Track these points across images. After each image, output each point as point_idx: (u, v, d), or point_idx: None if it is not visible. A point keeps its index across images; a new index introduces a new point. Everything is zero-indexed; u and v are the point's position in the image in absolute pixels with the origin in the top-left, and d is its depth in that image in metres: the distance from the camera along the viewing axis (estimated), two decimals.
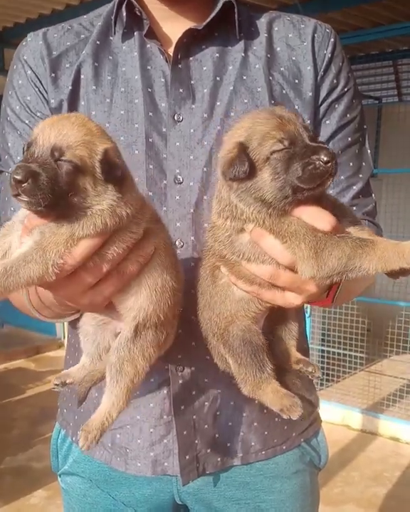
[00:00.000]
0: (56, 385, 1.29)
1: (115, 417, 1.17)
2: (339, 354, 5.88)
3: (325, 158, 0.97)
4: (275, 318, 1.26)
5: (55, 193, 0.98)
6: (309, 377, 1.23)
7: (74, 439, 1.53)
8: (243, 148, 1.03)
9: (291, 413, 1.15)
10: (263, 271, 1.12)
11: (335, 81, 1.41)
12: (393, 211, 6.09)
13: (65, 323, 1.45)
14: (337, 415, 5.62)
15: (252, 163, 1.02)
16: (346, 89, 1.43)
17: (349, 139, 1.43)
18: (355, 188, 1.45)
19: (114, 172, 1.04)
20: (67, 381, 1.29)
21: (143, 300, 1.15)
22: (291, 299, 1.16)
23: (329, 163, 0.98)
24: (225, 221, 1.13)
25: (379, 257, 1.02)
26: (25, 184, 0.97)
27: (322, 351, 5.95)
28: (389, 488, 4.57)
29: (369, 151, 1.49)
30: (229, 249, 1.14)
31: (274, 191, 1.02)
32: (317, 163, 0.98)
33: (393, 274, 1.07)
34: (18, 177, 0.97)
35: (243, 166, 1.01)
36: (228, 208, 1.10)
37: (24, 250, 1.02)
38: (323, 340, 6.01)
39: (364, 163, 1.46)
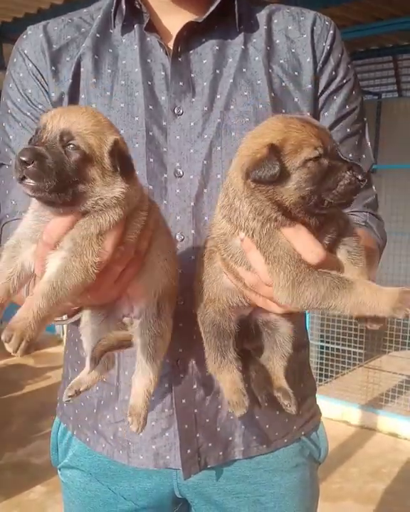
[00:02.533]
0: (70, 396, 1.25)
1: (153, 393, 1.21)
2: (337, 350, 5.88)
3: (360, 177, 0.96)
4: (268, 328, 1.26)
5: (61, 179, 0.97)
6: (284, 408, 1.23)
7: (75, 432, 1.53)
8: (275, 151, 0.99)
9: (234, 409, 1.19)
10: (247, 277, 1.13)
11: (334, 73, 1.41)
12: (393, 207, 6.08)
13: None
14: (336, 411, 5.62)
15: (283, 167, 0.99)
16: (345, 81, 1.42)
17: (349, 130, 1.43)
18: None
19: (127, 164, 1.04)
20: (81, 389, 1.26)
21: (158, 274, 1.17)
22: (272, 307, 1.16)
23: (363, 182, 0.97)
24: (222, 219, 1.13)
25: (353, 303, 1.01)
26: (30, 166, 0.96)
27: (321, 347, 5.95)
28: (388, 484, 4.57)
29: (369, 143, 1.49)
30: (222, 246, 1.15)
31: (295, 199, 1.00)
32: (352, 179, 0.97)
33: (365, 320, 1.05)
34: (24, 158, 0.96)
35: (273, 169, 0.97)
36: (227, 208, 1.10)
37: (61, 262, 1.00)
38: (322, 336, 6.01)
39: (364, 155, 1.46)
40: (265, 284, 1.09)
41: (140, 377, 1.21)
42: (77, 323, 1.37)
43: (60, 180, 0.97)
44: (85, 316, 1.26)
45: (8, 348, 0.92)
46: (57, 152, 0.98)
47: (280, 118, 1.07)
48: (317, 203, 0.99)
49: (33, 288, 1.22)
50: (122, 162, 1.03)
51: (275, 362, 1.25)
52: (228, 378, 1.20)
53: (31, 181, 0.97)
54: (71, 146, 0.99)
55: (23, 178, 0.97)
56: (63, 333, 8.31)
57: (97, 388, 1.46)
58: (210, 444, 1.42)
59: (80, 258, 1.00)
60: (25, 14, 6.60)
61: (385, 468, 4.80)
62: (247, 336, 1.23)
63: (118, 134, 1.07)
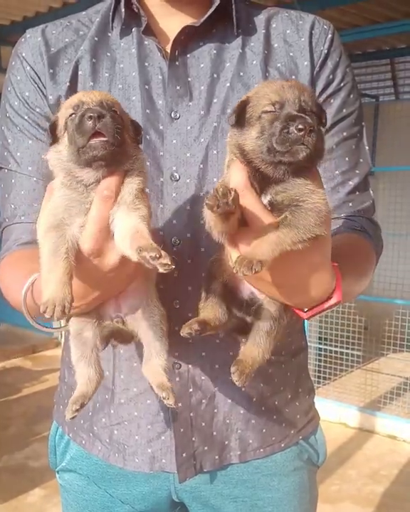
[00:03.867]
0: (77, 410, 1.21)
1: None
2: (336, 352, 5.88)
3: (300, 126, 1.01)
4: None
5: (121, 136, 1.05)
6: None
7: (71, 435, 1.53)
8: (245, 102, 1.10)
9: (182, 330, 1.14)
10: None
11: (331, 76, 1.41)
12: (390, 209, 6.11)
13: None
14: (334, 413, 5.63)
15: (243, 116, 1.10)
16: (342, 85, 1.42)
17: (345, 133, 1.43)
18: (351, 184, 1.44)
19: (140, 134, 1.15)
20: (85, 402, 1.23)
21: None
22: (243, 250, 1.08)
23: (302, 132, 1.02)
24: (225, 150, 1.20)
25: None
26: (103, 119, 1.03)
27: (319, 349, 5.96)
28: (386, 486, 4.58)
29: (367, 147, 1.48)
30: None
31: (255, 147, 1.07)
32: (291, 129, 1.03)
33: None
34: (94, 114, 1.03)
35: (232, 116, 1.10)
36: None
37: (136, 212, 1.08)
38: (320, 338, 6.02)
39: (361, 159, 1.46)
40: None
41: (155, 359, 1.23)
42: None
43: (120, 136, 1.05)
44: (80, 322, 1.24)
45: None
46: (108, 112, 1.05)
47: (271, 80, 1.20)
48: (269, 151, 1.06)
49: (32, 291, 1.22)
50: (138, 133, 1.15)
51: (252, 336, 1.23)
52: (203, 315, 1.21)
53: (102, 138, 1.03)
54: (114, 109, 1.08)
55: (92, 137, 1.03)
56: (61, 336, 8.30)
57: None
58: (206, 448, 1.41)
59: (147, 206, 1.09)
60: (24, 17, 6.61)
61: (383, 471, 4.81)
62: (238, 305, 1.24)
63: None
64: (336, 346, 5.87)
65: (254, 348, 1.20)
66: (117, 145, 1.05)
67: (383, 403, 5.56)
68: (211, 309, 1.21)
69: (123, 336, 1.25)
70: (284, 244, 1.02)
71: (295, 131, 1.02)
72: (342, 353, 5.89)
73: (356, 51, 7.74)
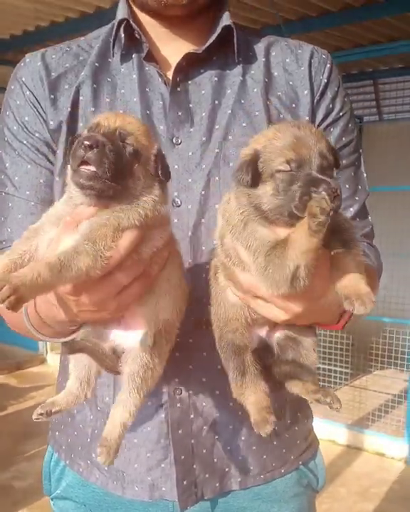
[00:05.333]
0: (40, 414, 1.21)
1: (129, 427, 1.19)
2: (323, 369, 5.89)
3: (324, 194, 0.95)
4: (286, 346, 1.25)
5: (117, 169, 1.01)
6: (329, 407, 1.22)
7: (68, 462, 1.50)
8: (255, 158, 1.05)
9: (259, 428, 1.15)
10: (244, 279, 1.12)
11: (331, 106, 1.43)
12: (374, 229, 6.15)
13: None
14: (323, 430, 5.60)
15: (257, 174, 1.05)
16: (341, 114, 1.45)
17: (345, 161, 1.45)
18: (351, 210, 1.46)
19: (166, 171, 1.09)
20: (53, 410, 1.23)
21: (162, 305, 1.17)
22: (275, 312, 1.14)
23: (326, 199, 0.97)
24: (219, 215, 1.17)
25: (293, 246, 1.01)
26: (94, 150, 0.99)
27: None
28: (376, 504, 4.56)
29: (364, 174, 1.51)
30: (221, 248, 1.16)
31: (271, 206, 1.04)
32: (313, 195, 0.96)
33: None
34: (88, 142, 0.99)
35: (247, 176, 1.04)
36: (224, 204, 1.14)
37: (74, 243, 1.02)
38: None
39: (359, 186, 1.48)
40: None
41: (120, 408, 1.18)
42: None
43: (116, 170, 1.01)
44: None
45: None
46: (116, 143, 1.03)
47: (278, 125, 1.11)
48: (290, 215, 1.02)
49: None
50: (163, 168, 1.08)
51: (305, 375, 1.23)
52: (251, 399, 1.17)
53: (90, 167, 1.00)
54: (127, 142, 1.04)
55: (81, 164, 1.01)
56: (46, 353, 8.21)
57: (91, 417, 1.44)
58: (207, 475, 1.40)
59: (93, 244, 1.01)
60: (11, 35, 6.61)
61: (373, 488, 4.80)
62: (271, 356, 1.22)
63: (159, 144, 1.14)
64: (323, 363, 5.87)
65: (313, 377, 1.23)
66: (111, 179, 1.01)
67: (371, 420, 5.57)
68: (253, 389, 1.17)
69: (105, 362, 1.23)
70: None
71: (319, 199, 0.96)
72: (329, 370, 5.89)
73: (340, 73, 7.88)
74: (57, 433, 1.56)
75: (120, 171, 1.02)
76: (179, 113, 1.36)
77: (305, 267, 1.00)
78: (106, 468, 1.43)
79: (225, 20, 1.38)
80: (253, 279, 1.09)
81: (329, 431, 5.63)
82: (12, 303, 0.92)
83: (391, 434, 5.41)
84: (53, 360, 7.44)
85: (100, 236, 1.02)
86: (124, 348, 1.20)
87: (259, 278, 1.06)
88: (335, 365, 5.84)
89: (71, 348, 1.21)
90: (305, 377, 1.22)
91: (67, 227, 1.05)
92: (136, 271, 1.08)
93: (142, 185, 1.07)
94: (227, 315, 1.20)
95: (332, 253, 1.08)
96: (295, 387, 1.24)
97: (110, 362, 1.21)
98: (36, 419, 1.20)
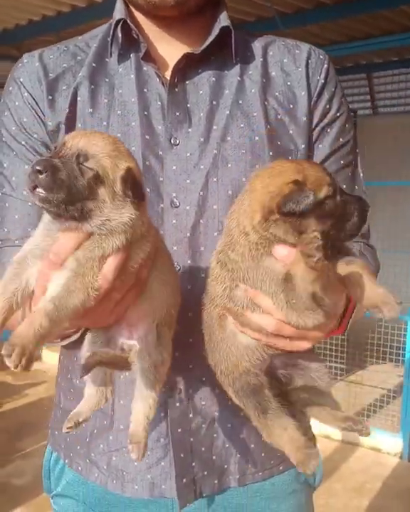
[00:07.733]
0: (69, 428, 1.22)
1: (152, 419, 1.21)
2: None
3: (367, 209, 1.03)
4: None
5: (71, 193, 1.00)
6: (358, 434, 1.23)
7: (67, 461, 1.51)
8: (302, 185, 1.03)
9: (305, 469, 1.14)
10: (267, 322, 1.14)
11: (328, 106, 1.44)
12: (370, 224, 6.17)
13: None
14: (317, 426, 5.63)
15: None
16: (338, 114, 1.45)
17: (342, 161, 1.46)
18: None
19: (138, 191, 1.07)
20: (80, 420, 1.24)
21: (157, 301, 1.18)
22: (300, 345, 1.18)
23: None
24: (217, 265, 1.17)
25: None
26: (43, 175, 0.98)
27: None
28: (372, 500, 4.59)
29: (361, 174, 1.52)
30: (230, 300, 1.17)
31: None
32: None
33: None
34: (38, 167, 0.98)
35: (309, 198, 1.01)
36: (225, 251, 1.14)
37: (63, 281, 1.02)
38: None
39: (356, 186, 1.49)
40: (284, 322, 1.11)
41: (140, 403, 1.21)
42: (68, 346, 1.36)
43: (70, 194, 1.00)
44: (85, 345, 1.25)
45: (9, 363, 0.93)
46: (71, 167, 1.01)
47: (287, 161, 1.13)
48: (335, 236, 1.05)
49: (29, 308, 1.22)
50: (133, 189, 1.06)
51: (324, 399, 1.25)
52: (285, 437, 1.16)
53: (42, 191, 0.99)
54: (85, 166, 1.03)
55: (35, 187, 1.00)
56: (42, 350, 8.19)
57: (91, 417, 1.45)
58: (205, 473, 1.41)
59: (83, 279, 1.02)
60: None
61: (369, 484, 4.82)
62: (280, 384, 1.23)
63: (134, 163, 1.10)
64: None
65: (332, 400, 1.25)
66: (66, 202, 1.00)
67: (366, 415, 5.59)
68: (280, 426, 1.17)
69: (117, 366, 1.24)
70: None
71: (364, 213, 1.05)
72: (324, 365, 5.91)
73: (334, 66, 7.89)
74: (56, 432, 1.56)
75: (75, 194, 1.01)
76: (177, 113, 1.37)
77: (319, 290, 1.04)
78: (105, 468, 1.44)
79: (223, 20, 1.38)
80: (277, 317, 1.11)
81: (324, 426, 5.64)
82: (24, 365, 0.94)
83: (386, 430, 5.44)
84: (49, 357, 7.43)
85: (87, 269, 1.03)
86: (130, 346, 1.22)
87: (284, 308, 1.07)
88: (330, 361, 5.86)
89: (85, 369, 1.21)
90: (321, 400, 1.25)
91: (52, 265, 1.05)
92: (127, 285, 1.10)
93: (112, 207, 1.05)
94: (239, 358, 1.21)
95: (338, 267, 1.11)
96: (319, 416, 1.26)
97: (121, 362, 1.22)
98: (66, 432, 1.22)
